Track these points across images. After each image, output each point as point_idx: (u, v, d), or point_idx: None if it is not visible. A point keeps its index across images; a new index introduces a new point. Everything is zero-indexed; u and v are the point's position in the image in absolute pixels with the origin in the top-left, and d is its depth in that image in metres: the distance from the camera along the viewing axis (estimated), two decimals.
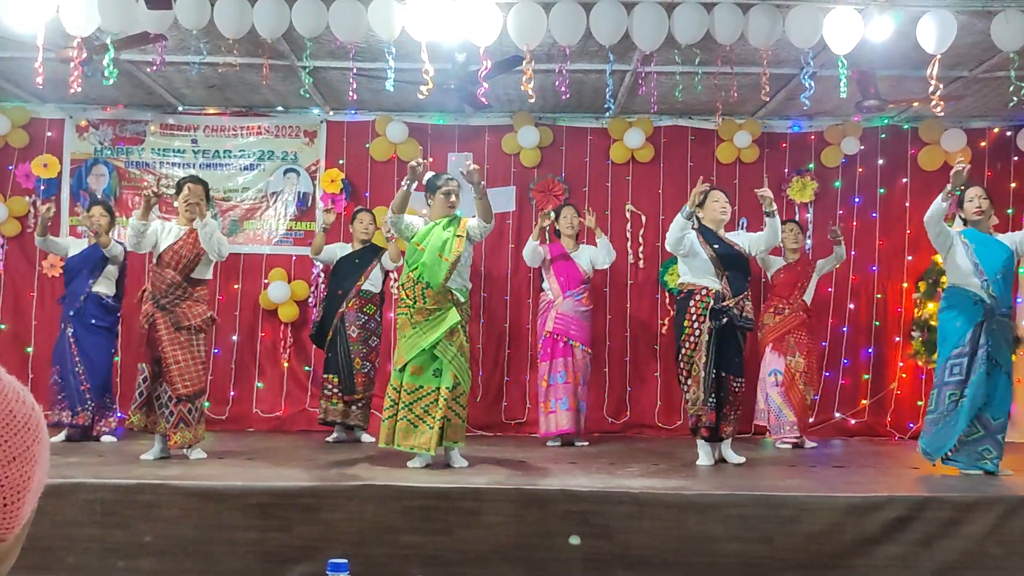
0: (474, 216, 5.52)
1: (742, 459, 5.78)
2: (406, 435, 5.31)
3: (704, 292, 5.70)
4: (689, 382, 5.69)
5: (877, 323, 8.05)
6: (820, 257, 7.49)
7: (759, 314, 7.10)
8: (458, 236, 5.45)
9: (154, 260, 5.82)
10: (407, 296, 5.45)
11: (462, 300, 5.46)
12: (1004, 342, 5.48)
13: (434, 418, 5.26)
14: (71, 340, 6.67)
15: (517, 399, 7.98)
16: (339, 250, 7.19)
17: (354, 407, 6.94)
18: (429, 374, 5.33)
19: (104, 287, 6.78)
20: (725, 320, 5.64)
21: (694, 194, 5.71)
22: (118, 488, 4.44)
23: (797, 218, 7.78)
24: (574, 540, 4.35)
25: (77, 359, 6.62)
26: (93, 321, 6.71)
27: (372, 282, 7.08)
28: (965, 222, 5.71)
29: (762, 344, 7.14)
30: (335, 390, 6.92)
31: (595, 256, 7.16)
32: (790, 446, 6.90)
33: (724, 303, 5.65)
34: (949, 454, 5.43)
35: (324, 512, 4.39)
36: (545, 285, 7.18)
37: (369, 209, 7.50)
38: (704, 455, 5.75)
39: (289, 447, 6.44)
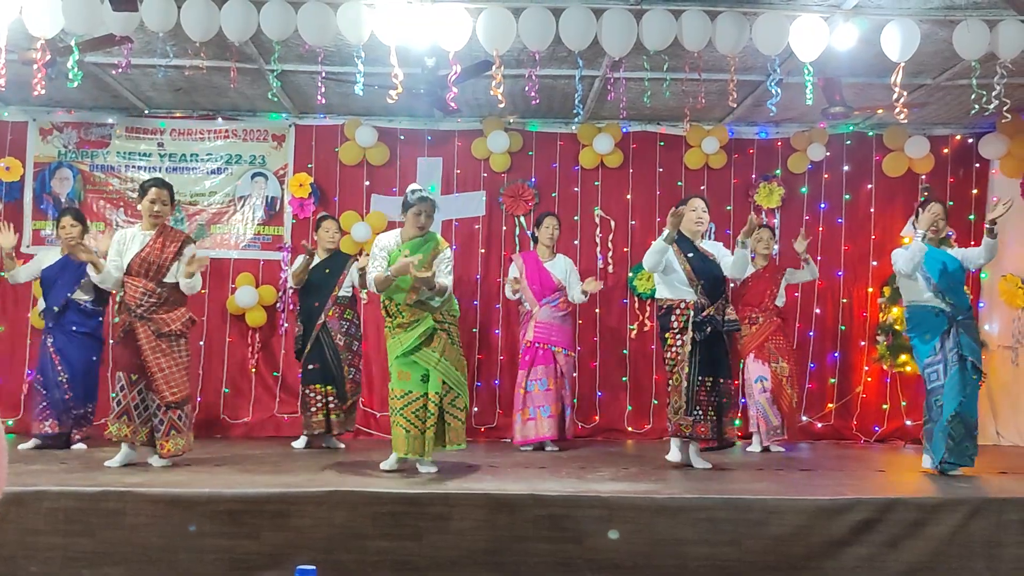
0: (444, 258, 5.52)
1: (708, 464, 5.82)
2: (401, 442, 5.33)
3: (683, 306, 5.76)
4: (669, 390, 5.79)
5: (843, 327, 8.14)
6: (787, 263, 7.57)
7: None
8: (431, 256, 5.40)
9: (123, 269, 5.55)
10: (387, 313, 5.50)
11: (435, 306, 5.43)
12: (973, 340, 5.71)
13: (424, 423, 5.30)
14: (51, 350, 6.49)
15: (487, 404, 7.97)
16: (307, 259, 7.06)
17: (348, 412, 6.95)
18: (416, 379, 5.35)
19: (84, 293, 6.61)
20: (710, 329, 5.70)
21: (674, 219, 5.69)
22: (82, 496, 4.37)
23: (777, 218, 7.89)
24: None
25: (60, 368, 6.46)
26: (74, 328, 6.54)
27: (345, 288, 7.01)
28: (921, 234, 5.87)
29: (743, 353, 7.10)
30: (333, 401, 6.85)
31: (571, 279, 7.10)
32: (783, 449, 7.02)
33: (704, 313, 5.72)
34: (944, 457, 5.54)
35: (293, 518, 4.36)
36: (522, 296, 7.16)
37: (334, 216, 7.44)
38: (675, 451, 5.89)
39: (257, 453, 6.37)
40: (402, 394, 5.35)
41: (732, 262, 5.85)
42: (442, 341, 5.39)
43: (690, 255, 5.80)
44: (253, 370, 7.88)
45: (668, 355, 5.79)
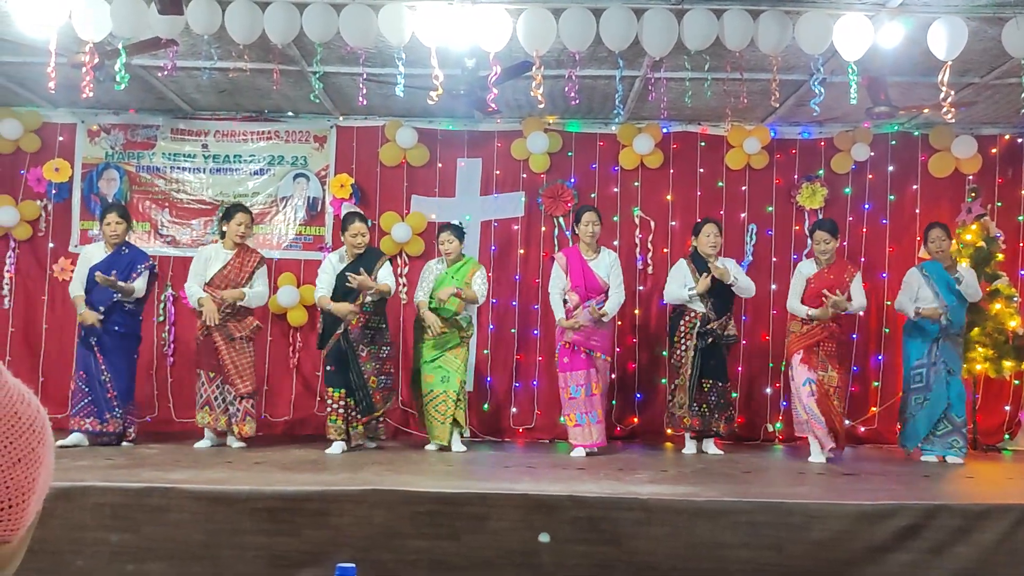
0: (478, 275, 6.88)
1: (720, 451, 6.78)
2: (429, 430, 6.74)
3: (693, 314, 6.77)
4: (674, 388, 6.85)
5: (887, 330, 8.01)
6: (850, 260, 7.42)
7: (786, 322, 7.04)
8: (465, 284, 6.76)
9: (205, 282, 6.66)
10: (421, 326, 6.79)
11: (464, 326, 6.82)
12: (956, 354, 6.76)
13: (444, 415, 6.63)
14: (95, 348, 6.52)
15: (526, 405, 7.97)
16: (336, 262, 6.71)
17: (373, 423, 6.70)
18: (438, 380, 6.68)
19: (127, 294, 6.60)
20: (711, 340, 6.71)
21: (703, 283, 6.71)
22: (127, 491, 4.44)
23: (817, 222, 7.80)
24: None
25: (103, 367, 6.49)
26: (117, 328, 6.58)
27: (373, 294, 6.56)
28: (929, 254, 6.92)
29: (789, 352, 6.80)
30: (354, 412, 6.49)
31: (614, 279, 6.78)
32: (831, 456, 6.50)
33: (710, 325, 6.71)
34: (921, 445, 6.68)
35: (332, 516, 4.39)
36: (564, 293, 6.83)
37: (362, 214, 7.05)
38: (689, 445, 6.89)
39: (297, 451, 6.43)
40: (427, 392, 6.71)
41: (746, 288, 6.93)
42: (464, 351, 6.79)
43: (704, 274, 6.73)
44: (294, 369, 7.96)
45: (673, 357, 6.87)
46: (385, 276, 6.67)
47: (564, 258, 6.89)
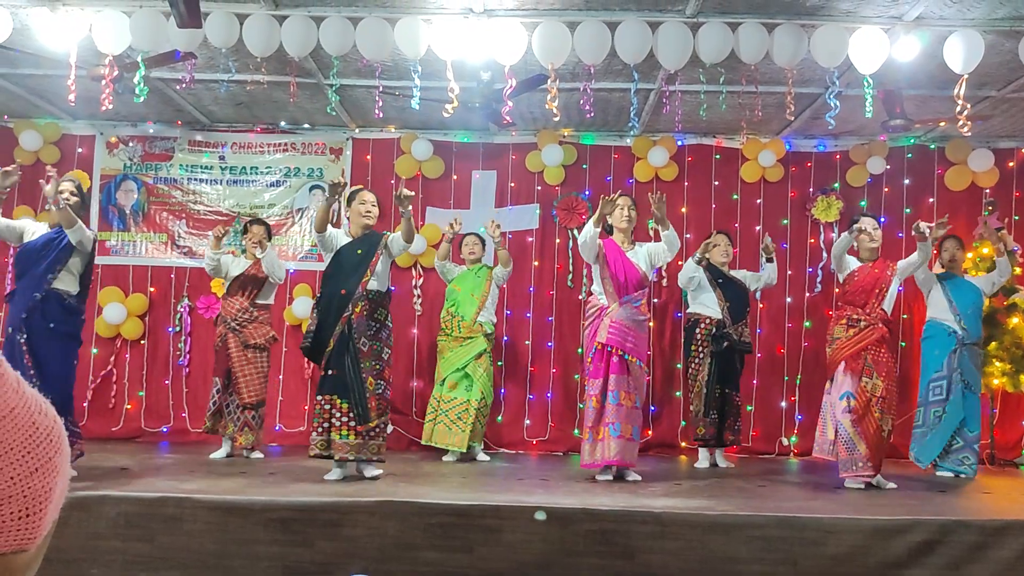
0: (498, 265, 7.12)
1: (731, 464, 6.94)
2: (443, 435, 6.86)
3: (708, 321, 6.92)
4: (692, 396, 6.99)
5: (903, 344, 7.97)
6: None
7: (829, 326, 6.32)
8: (487, 280, 7.08)
9: (224, 289, 6.89)
10: (446, 327, 7.07)
11: (488, 331, 7.00)
12: (975, 367, 6.71)
13: (465, 423, 6.81)
14: (23, 348, 5.29)
15: (539, 417, 7.97)
16: (341, 237, 5.75)
17: (368, 437, 5.41)
18: (462, 388, 6.89)
19: (66, 283, 5.51)
20: (726, 344, 6.83)
21: (703, 245, 6.96)
22: (142, 501, 4.46)
23: (836, 233, 7.75)
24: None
25: (32, 371, 5.20)
26: (53, 325, 5.39)
27: (379, 278, 5.59)
28: (943, 266, 6.99)
29: (833, 361, 6.01)
30: (345, 418, 5.37)
31: (655, 252, 5.91)
32: (862, 486, 5.73)
33: (725, 330, 6.86)
34: (936, 461, 6.64)
35: (345, 528, 4.40)
36: (595, 288, 5.96)
37: (371, 189, 6.34)
38: (702, 458, 6.95)
39: (311, 463, 6.43)
40: (449, 399, 6.89)
41: (761, 276, 7.14)
42: (486, 359, 6.95)
43: (720, 280, 6.96)
44: (309, 380, 7.97)
45: (691, 365, 6.97)
46: (395, 243, 5.69)
47: (601, 243, 5.91)
